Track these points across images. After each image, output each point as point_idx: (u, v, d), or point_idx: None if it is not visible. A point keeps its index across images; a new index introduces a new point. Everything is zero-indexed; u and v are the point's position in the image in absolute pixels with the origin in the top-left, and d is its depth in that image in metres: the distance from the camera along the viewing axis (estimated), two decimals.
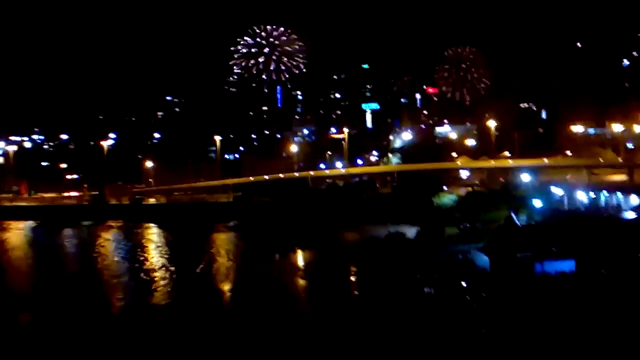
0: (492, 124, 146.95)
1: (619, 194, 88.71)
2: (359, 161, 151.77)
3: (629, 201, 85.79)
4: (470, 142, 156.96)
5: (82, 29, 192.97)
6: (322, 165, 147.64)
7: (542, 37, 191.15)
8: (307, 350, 40.96)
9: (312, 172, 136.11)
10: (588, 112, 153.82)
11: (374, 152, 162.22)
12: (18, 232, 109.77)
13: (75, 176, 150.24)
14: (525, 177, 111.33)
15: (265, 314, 49.22)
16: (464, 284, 51.40)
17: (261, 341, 42.56)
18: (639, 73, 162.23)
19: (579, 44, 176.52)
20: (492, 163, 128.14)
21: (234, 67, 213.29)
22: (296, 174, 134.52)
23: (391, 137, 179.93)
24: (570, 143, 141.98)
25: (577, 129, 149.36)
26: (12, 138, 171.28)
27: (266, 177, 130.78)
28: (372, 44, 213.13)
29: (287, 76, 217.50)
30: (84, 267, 75.39)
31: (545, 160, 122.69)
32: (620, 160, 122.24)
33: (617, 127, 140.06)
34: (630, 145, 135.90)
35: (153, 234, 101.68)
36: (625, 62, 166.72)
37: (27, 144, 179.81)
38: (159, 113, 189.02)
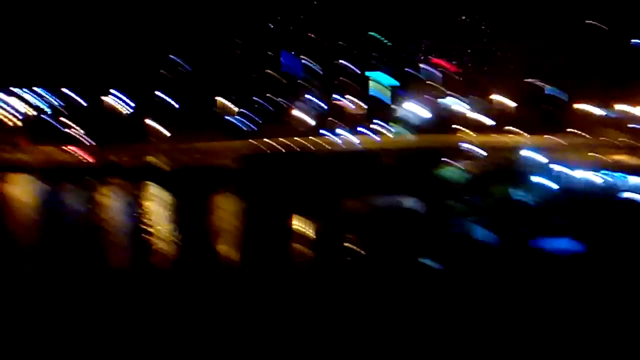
0: (501, 98, 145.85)
1: (626, 175, 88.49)
2: (366, 131, 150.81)
3: (633, 181, 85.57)
4: (478, 116, 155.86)
5: None
6: (329, 134, 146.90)
7: (554, 14, 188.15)
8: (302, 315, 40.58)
9: (318, 140, 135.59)
10: (597, 92, 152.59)
11: (379, 122, 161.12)
12: (17, 185, 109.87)
13: (79, 132, 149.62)
14: (532, 154, 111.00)
15: (266, 279, 49.10)
16: (466, 256, 51.33)
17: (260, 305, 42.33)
18: None
19: (591, 22, 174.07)
20: (500, 138, 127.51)
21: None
22: (301, 140, 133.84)
23: (396, 107, 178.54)
24: (578, 123, 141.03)
25: (587, 107, 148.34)
26: (13, 89, 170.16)
27: (270, 142, 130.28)
28: (381, 13, 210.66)
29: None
30: (86, 225, 75.41)
31: (553, 138, 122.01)
32: (627, 140, 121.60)
33: (627, 108, 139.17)
34: (637, 126, 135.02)
35: (155, 194, 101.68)
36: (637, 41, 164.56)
37: (28, 97, 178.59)
38: (168, 74, 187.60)
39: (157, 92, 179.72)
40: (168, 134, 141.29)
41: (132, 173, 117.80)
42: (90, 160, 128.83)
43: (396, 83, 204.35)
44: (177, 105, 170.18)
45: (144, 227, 73.17)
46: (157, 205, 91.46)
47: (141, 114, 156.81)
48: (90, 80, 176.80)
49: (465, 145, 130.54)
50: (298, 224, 77.13)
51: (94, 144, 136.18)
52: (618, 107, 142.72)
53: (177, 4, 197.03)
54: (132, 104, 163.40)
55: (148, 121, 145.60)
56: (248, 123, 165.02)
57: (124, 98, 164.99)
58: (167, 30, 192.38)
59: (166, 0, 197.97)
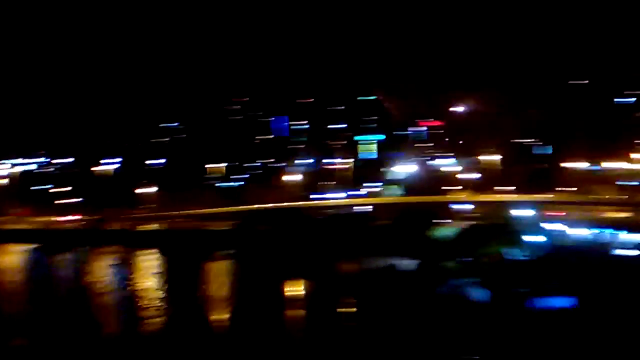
0: (493, 158, 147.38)
1: (620, 231, 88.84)
2: (361, 191, 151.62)
3: (628, 239, 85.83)
4: (472, 175, 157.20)
5: (86, 50, 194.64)
6: (323, 195, 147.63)
7: (542, 72, 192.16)
8: None
9: (313, 202, 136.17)
10: (588, 150, 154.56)
11: (376, 183, 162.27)
12: (16, 255, 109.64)
13: (75, 200, 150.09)
14: (526, 212, 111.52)
15: (261, 343, 48.91)
16: (461, 317, 51.24)
17: None
18: (636, 111, 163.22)
19: (582, 82, 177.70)
20: (493, 197, 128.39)
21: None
22: (296, 203, 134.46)
23: (393, 169, 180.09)
24: (570, 179, 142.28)
25: (578, 165, 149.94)
26: (17, 161, 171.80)
27: (267, 205, 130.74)
28: (375, 76, 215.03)
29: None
30: (80, 292, 75.10)
31: (546, 195, 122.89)
32: (619, 197, 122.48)
33: (617, 165, 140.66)
34: (629, 183, 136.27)
35: (151, 260, 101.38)
36: (626, 100, 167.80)
37: (31, 167, 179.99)
38: (162, 139, 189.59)
39: (150, 159, 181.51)
40: (161, 200, 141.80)
41: (126, 239, 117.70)
42: (85, 227, 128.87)
43: (386, 145, 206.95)
44: (170, 171, 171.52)
45: (138, 294, 72.91)
46: (151, 271, 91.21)
47: (134, 180, 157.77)
48: (83, 149, 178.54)
49: (456, 205, 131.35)
50: (293, 287, 76.98)
51: (88, 211, 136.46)
52: (605, 163, 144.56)
53: (169, 71, 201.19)
54: (126, 171, 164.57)
55: (142, 188, 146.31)
56: (241, 188, 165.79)
57: (118, 165, 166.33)
58: (161, 97, 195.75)
59: (158, 68, 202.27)
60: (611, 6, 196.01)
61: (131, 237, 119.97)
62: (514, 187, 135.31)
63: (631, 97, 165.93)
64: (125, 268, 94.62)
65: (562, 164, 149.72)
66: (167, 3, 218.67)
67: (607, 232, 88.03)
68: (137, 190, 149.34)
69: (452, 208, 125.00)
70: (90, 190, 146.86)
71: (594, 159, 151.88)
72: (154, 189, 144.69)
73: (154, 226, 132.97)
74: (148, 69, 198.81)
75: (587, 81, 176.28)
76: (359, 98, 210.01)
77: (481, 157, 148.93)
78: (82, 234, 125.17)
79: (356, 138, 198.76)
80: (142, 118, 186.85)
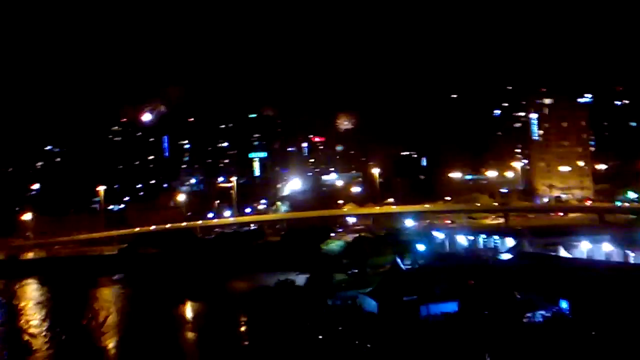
0: (375, 171, 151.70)
1: (495, 236, 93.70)
2: (248, 210, 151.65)
3: (504, 243, 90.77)
4: (356, 189, 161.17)
5: None
6: (210, 215, 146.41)
7: (419, 88, 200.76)
8: None
9: (200, 222, 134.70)
10: (465, 160, 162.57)
11: (263, 201, 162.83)
12: None
13: None
14: (409, 222, 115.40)
15: None
16: (352, 328, 52.45)
17: None
18: (509, 122, 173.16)
19: (454, 95, 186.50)
20: (377, 209, 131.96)
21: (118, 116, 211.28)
22: (184, 224, 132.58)
23: (279, 186, 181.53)
24: (449, 189, 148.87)
25: (455, 175, 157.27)
26: None
27: (153, 227, 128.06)
28: (260, 94, 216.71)
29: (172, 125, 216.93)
30: None
31: (427, 205, 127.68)
32: (495, 204, 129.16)
33: (491, 173, 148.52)
34: (504, 190, 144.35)
35: (32, 291, 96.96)
36: (497, 112, 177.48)
37: None
38: (39, 163, 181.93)
39: (26, 184, 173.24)
40: (40, 226, 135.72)
41: (7, 270, 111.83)
42: None
43: (279, 162, 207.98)
44: (48, 196, 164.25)
45: (21, 326, 69.75)
46: (33, 301, 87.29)
47: (15, 207, 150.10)
48: None
49: (347, 218, 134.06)
50: (184, 309, 76.08)
51: None
52: (488, 173, 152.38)
53: (48, 95, 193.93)
54: (4, 197, 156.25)
55: (23, 215, 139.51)
56: (123, 210, 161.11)
57: None
58: (43, 119, 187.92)
59: (43, 89, 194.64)
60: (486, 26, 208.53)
61: (9, 267, 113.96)
62: (396, 199, 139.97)
63: (503, 109, 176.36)
64: (5, 299, 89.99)
65: (442, 175, 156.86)
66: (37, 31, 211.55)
67: (484, 238, 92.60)
68: (14, 218, 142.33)
69: (338, 221, 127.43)
70: None
71: (478, 169, 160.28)
72: (32, 215, 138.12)
73: (34, 254, 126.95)
74: (25, 93, 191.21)
75: (456, 95, 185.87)
76: (250, 115, 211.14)
77: (371, 170, 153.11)
78: None
79: (251, 155, 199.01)
80: (17, 142, 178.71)
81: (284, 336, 54.23)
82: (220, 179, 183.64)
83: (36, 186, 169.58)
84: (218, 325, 63.95)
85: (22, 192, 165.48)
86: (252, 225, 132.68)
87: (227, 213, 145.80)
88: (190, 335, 63.97)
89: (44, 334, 65.96)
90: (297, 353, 50.21)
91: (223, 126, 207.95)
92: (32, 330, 68.07)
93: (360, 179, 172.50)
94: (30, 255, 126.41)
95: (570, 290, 54.20)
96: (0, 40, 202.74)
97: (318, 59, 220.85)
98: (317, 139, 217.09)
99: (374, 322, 54.79)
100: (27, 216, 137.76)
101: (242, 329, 64.54)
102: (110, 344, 61.46)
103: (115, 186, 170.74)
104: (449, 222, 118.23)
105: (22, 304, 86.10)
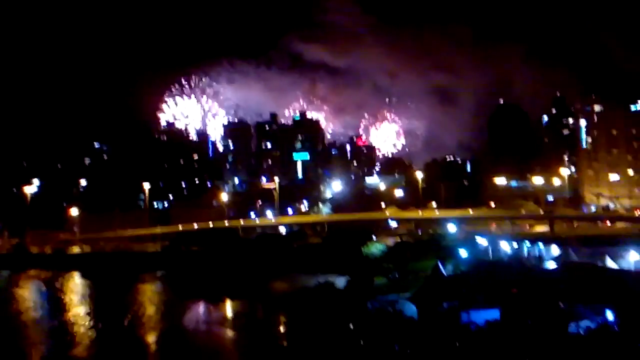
0: (419, 175, 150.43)
1: (540, 244, 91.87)
2: (290, 211, 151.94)
3: (549, 251, 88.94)
4: (399, 192, 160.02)
5: (5, 74, 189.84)
6: (252, 215, 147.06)
7: (466, 93, 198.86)
8: None
9: (242, 222, 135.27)
10: (510, 166, 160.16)
11: (305, 202, 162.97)
12: None
13: None
14: (451, 228, 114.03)
15: None
16: (392, 333, 51.92)
17: None
18: (557, 129, 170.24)
19: (501, 101, 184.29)
20: (420, 214, 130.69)
21: (163, 115, 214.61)
22: (226, 223, 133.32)
23: (321, 187, 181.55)
24: (493, 195, 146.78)
25: (500, 181, 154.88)
26: None
27: (195, 226, 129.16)
28: (304, 95, 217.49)
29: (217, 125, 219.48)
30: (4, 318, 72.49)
31: (470, 211, 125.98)
32: (541, 211, 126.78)
33: (537, 180, 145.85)
34: (550, 198, 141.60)
35: (76, 284, 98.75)
36: (545, 118, 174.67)
37: None
38: (86, 160, 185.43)
39: (74, 180, 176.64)
40: (86, 222, 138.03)
41: (53, 263, 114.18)
42: (8, 251, 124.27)
43: (321, 164, 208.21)
44: (95, 193, 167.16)
45: (64, 319, 70.91)
46: (79, 295, 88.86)
47: (58, 202, 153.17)
48: (6, 169, 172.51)
49: (389, 222, 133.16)
50: (227, 308, 76.47)
51: (11, 234, 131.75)
52: (534, 180, 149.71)
53: (100, 89, 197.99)
54: (49, 193, 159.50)
55: (69, 209, 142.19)
56: (173, 208, 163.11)
57: (39, 187, 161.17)
58: (91, 116, 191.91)
59: (90, 87, 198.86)
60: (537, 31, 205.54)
61: (55, 261, 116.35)
62: (439, 204, 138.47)
63: (551, 116, 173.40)
64: (50, 291, 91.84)
65: (487, 181, 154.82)
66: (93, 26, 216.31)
67: (529, 246, 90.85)
68: (61, 212, 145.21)
69: (380, 225, 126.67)
70: (12, 212, 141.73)
71: (524, 175, 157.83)
72: (79, 210, 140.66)
73: (79, 249, 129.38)
74: (72, 91, 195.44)
75: (503, 101, 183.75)
76: (295, 117, 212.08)
77: (415, 174, 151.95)
78: (4, 257, 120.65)
79: (294, 155, 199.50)
80: (66, 139, 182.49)
81: (322, 338, 53.98)
82: (263, 179, 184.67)
83: (84, 182, 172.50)
84: (257, 325, 64.02)
85: (70, 188, 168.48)
86: (294, 226, 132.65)
87: (268, 213, 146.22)
88: (229, 333, 64.16)
89: (86, 326, 66.93)
90: (336, 355, 49.88)
91: (267, 127, 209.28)
92: (75, 323, 69.16)
93: (403, 183, 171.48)
94: (76, 249, 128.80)
95: (617, 301, 52.69)
96: (52, 39, 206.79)
97: (362, 61, 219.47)
98: (360, 142, 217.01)
99: (414, 327, 54.14)
100: (74, 212, 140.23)
101: (281, 329, 64.55)
102: (150, 339, 62.08)
103: (160, 184, 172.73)
104: (494, 227, 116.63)
105: (67, 297, 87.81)
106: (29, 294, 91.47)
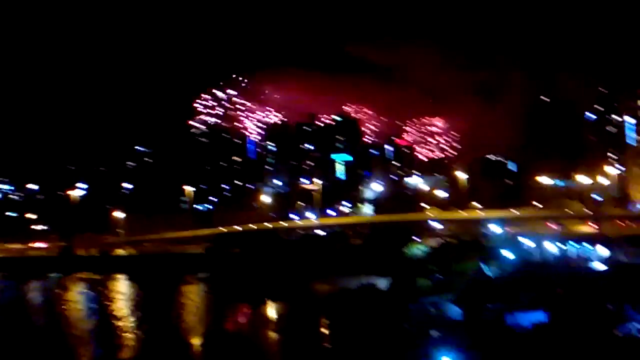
0: (461, 175, 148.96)
1: (587, 244, 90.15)
2: (331, 212, 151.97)
3: (597, 252, 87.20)
4: (441, 193, 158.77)
5: (49, 78, 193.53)
6: (293, 216, 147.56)
7: (509, 92, 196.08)
8: None
9: (284, 223, 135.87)
10: (554, 165, 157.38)
11: (346, 203, 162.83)
12: None
13: (43, 227, 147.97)
14: (495, 228, 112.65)
15: None
16: (436, 335, 51.43)
17: None
18: (602, 127, 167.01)
19: (545, 98, 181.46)
20: (462, 214, 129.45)
21: (202, 117, 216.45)
22: (268, 225, 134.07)
23: (362, 188, 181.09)
24: (537, 194, 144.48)
25: (545, 180, 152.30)
26: None
27: (238, 228, 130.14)
28: (345, 97, 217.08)
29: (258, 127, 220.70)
30: (51, 321, 73.90)
31: (514, 211, 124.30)
32: (587, 211, 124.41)
33: (583, 179, 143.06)
34: (597, 197, 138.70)
35: (122, 286, 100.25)
36: (590, 115, 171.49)
37: None
38: (130, 163, 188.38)
39: (119, 184, 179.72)
40: (131, 225, 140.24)
41: (99, 265, 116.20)
42: (58, 255, 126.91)
43: (362, 164, 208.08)
44: (139, 196, 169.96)
45: (111, 321, 71.93)
46: (125, 297, 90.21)
47: (103, 205, 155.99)
48: (49, 174, 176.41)
49: (431, 223, 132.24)
50: (269, 310, 76.74)
51: (61, 238, 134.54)
52: (578, 177, 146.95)
53: (140, 94, 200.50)
54: (94, 196, 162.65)
55: (114, 213, 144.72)
56: (216, 210, 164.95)
57: (85, 190, 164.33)
58: (134, 120, 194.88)
59: (131, 92, 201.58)
60: (578, 26, 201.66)
61: (101, 263, 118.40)
62: (482, 204, 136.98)
63: (597, 113, 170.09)
64: (97, 294, 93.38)
65: (536, 179, 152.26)
66: (134, 29, 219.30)
67: (576, 246, 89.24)
68: (107, 216, 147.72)
69: (422, 226, 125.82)
70: (58, 216, 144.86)
71: (568, 174, 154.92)
72: (123, 213, 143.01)
73: (124, 251, 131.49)
74: (114, 95, 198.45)
75: (548, 98, 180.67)
76: (334, 117, 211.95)
77: (455, 174, 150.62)
78: (52, 260, 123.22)
79: (333, 157, 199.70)
80: (109, 143, 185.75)
81: (366, 339, 53.75)
82: (304, 180, 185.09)
83: (128, 185, 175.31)
84: (299, 326, 64.06)
85: (114, 191, 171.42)
86: (335, 227, 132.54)
87: (310, 215, 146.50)
88: (270, 335, 64.36)
89: (131, 327, 67.80)
90: (380, 357, 49.62)
91: (307, 128, 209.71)
92: (120, 324, 70.12)
93: (445, 182, 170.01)
94: (120, 251, 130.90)
95: None
96: (97, 45, 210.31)
97: (403, 60, 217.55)
98: (401, 142, 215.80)
99: (458, 329, 53.56)
100: (119, 214, 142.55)
101: (324, 330, 64.40)
102: (194, 340, 62.58)
103: (203, 187, 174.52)
104: (537, 228, 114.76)
105: (112, 299, 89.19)
106: (78, 296, 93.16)
